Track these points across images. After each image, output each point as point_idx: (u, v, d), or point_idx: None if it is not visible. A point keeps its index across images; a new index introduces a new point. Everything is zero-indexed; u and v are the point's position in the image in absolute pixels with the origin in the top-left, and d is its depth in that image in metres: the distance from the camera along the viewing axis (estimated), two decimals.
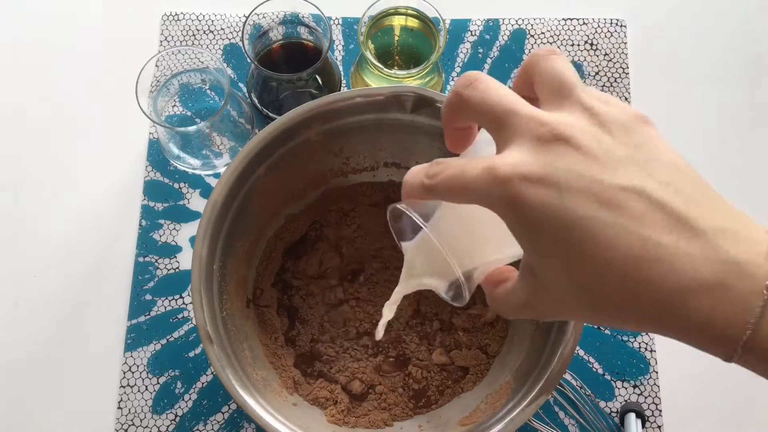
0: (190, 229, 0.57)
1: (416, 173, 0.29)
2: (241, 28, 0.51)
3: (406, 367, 0.52)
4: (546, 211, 0.24)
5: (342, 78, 0.58)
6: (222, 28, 0.63)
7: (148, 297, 0.55)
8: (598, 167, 0.24)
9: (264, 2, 0.51)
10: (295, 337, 0.52)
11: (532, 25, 0.57)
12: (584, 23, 0.64)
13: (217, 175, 0.58)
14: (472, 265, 0.30)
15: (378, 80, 0.54)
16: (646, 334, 0.55)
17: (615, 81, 0.62)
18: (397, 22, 0.54)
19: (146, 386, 0.53)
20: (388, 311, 0.37)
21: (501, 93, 0.26)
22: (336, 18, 0.64)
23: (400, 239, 0.34)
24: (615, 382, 0.54)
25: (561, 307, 0.27)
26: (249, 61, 0.53)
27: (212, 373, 0.54)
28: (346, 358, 0.52)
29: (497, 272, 0.31)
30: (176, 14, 0.63)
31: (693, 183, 0.24)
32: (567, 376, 0.54)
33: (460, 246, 0.30)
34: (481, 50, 0.63)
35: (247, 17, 0.50)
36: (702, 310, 0.23)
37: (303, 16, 0.54)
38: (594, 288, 0.24)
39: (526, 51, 0.63)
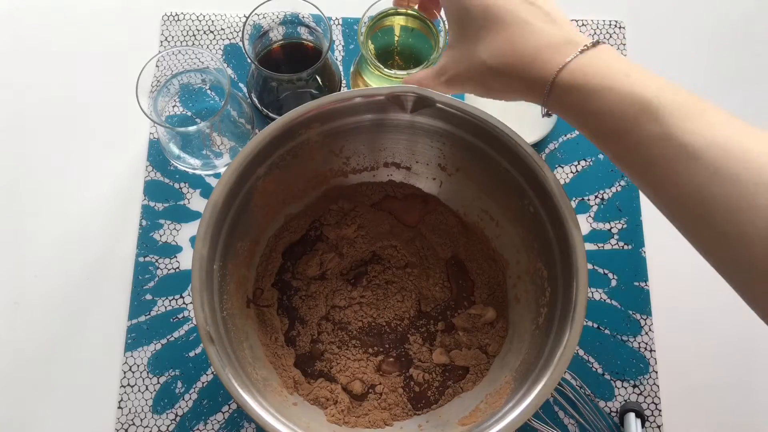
0: (190, 229, 0.57)
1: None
2: (241, 29, 0.51)
3: (407, 369, 0.52)
4: (483, 6, 0.39)
5: (342, 78, 0.58)
6: (222, 28, 0.63)
7: (149, 297, 0.55)
8: None
9: (264, 2, 0.51)
10: (295, 337, 0.52)
11: None
12: (584, 24, 0.64)
13: (217, 175, 0.58)
14: None
15: (378, 80, 0.54)
16: (646, 333, 0.55)
17: None
18: (397, 22, 0.54)
19: (146, 386, 0.53)
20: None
21: None
22: (336, 18, 0.64)
23: None
24: (615, 381, 0.54)
25: (466, 66, 0.41)
26: (249, 61, 0.53)
27: (212, 373, 0.54)
28: (347, 358, 0.52)
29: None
30: (176, 14, 0.63)
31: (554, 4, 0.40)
32: (567, 376, 0.54)
33: None
34: None
35: (247, 17, 0.51)
36: (543, 60, 0.38)
37: (303, 17, 0.54)
38: (494, 50, 0.39)
39: None
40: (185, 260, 0.56)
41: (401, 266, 0.55)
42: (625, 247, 0.58)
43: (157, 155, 0.59)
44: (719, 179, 0.32)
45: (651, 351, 0.55)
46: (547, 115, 0.40)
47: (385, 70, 0.50)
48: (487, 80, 0.40)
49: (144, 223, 0.57)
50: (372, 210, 0.55)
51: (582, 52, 0.37)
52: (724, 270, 0.34)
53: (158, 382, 0.53)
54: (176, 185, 0.58)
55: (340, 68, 0.61)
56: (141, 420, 0.52)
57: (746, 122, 0.34)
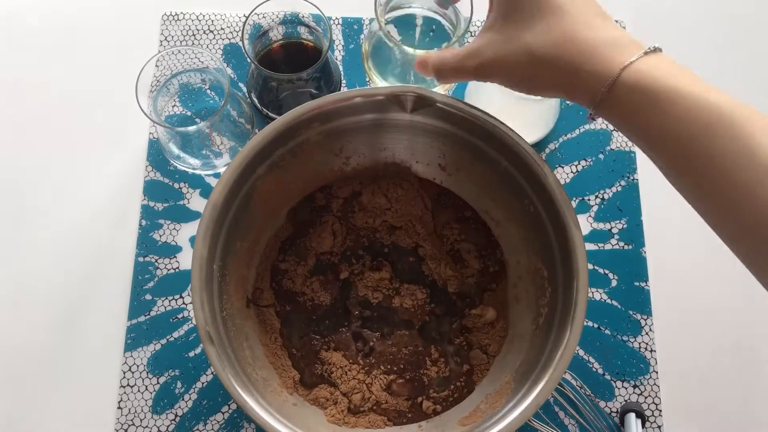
0: (190, 229, 0.57)
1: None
2: (241, 28, 0.51)
3: (418, 398, 0.50)
4: None
5: (342, 78, 0.58)
6: (222, 28, 0.63)
7: (148, 297, 0.55)
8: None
9: (264, 2, 0.51)
10: (291, 337, 0.52)
11: None
12: None
13: (217, 175, 0.58)
14: None
15: (393, 71, 0.52)
16: (646, 333, 0.55)
17: None
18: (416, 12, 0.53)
19: (146, 386, 0.53)
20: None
21: None
22: (336, 18, 0.64)
23: None
24: (615, 382, 0.54)
25: (507, 52, 0.38)
26: (249, 60, 0.53)
27: (212, 373, 0.54)
28: (352, 371, 0.51)
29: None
30: (176, 14, 0.63)
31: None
32: (567, 376, 0.54)
33: None
34: None
35: (247, 17, 0.50)
36: (603, 56, 0.35)
37: (303, 16, 0.54)
38: (546, 39, 0.36)
39: None
40: (185, 260, 0.56)
41: (403, 267, 0.55)
42: (626, 247, 0.58)
43: (156, 155, 0.59)
44: None
45: (651, 351, 0.55)
46: (592, 118, 0.38)
47: (406, 48, 0.47)
48: (529, 70, 0.38)
49: (144, 223, 0.57)
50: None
51: (646, 54, 0.35)
52: None
53: (158, 383, 0.53)
54: (176, 185, 0.58)
55: (340, 68, 0.61)
56: (141, 420, 0.52)
57: None
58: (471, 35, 0.63)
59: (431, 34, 0.54)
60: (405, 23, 0.54)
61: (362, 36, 0.63)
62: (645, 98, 0.34)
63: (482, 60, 0.39)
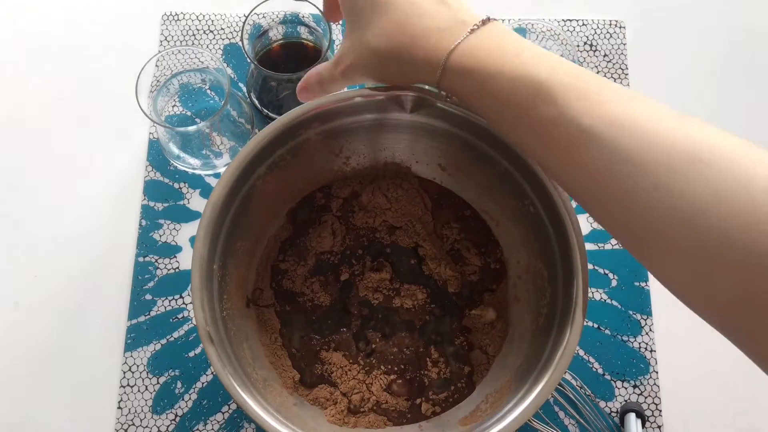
0: (190, 229, 0.57)
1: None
2: (241, 28, 0.51)
3: (417, 399, 0.50)
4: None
5: None
6: (222, 28, 0.63)
7: (148, 297, 0.55)
8: None
9: (264, 1, 0.51)
10: (291, 337, 0.52)
11: (532, 24, 0.57)
12: (584, 24, 0.64)
13: (217, 175, 0.58)
14: None
15: None
16: (646, 333, 0.55)
17: (614, 81, 0.62)
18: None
19: (146, 386, 0.53)
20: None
21: None
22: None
23: None
24: (615, 382, 0.54)
25: (357, 54, 0.39)
26: (249, 60, 0.53)
27: (212, 373, 0.54)
28: (352, 371, 0.51)
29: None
30: (176, 14, 0.63)
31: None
32: (567, 376, 0.54)
33: None
34: None
35: (246, 17, 0.50)
36: (432, 43, 0.36)
37: (303, 16, 0.54)
38: (380, 33, 0.37)
39: None
40: (185, 260, 0.56)
41: (404, 267, 0.55)
42: None
43: (156, 155, 0.59)
44: (618, 159, 0.30)
45: (651, 351, 0.55)
46: (448, 98, 0.40)
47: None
48: (377, 66, 0.39)
49: (144, 223, 0.57)
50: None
51: (472, 32, 0.35)
52: (636, 251, 0.34)
53: (158, 383, 0.53)
54: (176, 185, 0.58)
55: None
56: (141, 420, 0.52)
57: (650, 97, 0.32)
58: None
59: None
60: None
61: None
62: (471, 82, 0.35)
63: (344, 66, 0.41)
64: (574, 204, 0.59)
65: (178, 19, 0.63)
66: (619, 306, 0.56)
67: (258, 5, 0.51)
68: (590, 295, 0.57)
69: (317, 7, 0.52)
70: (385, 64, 0.39)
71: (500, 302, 0.52)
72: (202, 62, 0.53)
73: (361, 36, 0.39)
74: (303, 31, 0.55)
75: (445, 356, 0.51)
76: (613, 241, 0.58)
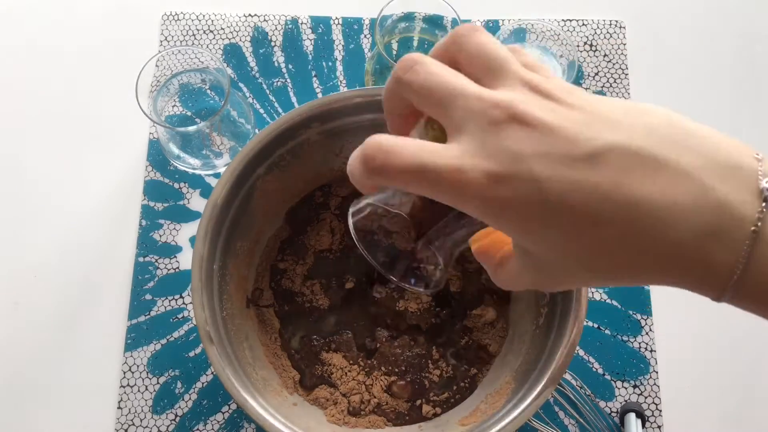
0: (190, 229, 0.57)
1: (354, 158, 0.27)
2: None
3: (418, 401, 0.50)
4: (524, 205, 0.23)
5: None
6: (222, 28, 0.63)
7: (148, 297, 0.55)
8: (562, 140, 0.23)
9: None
10: (291, 337, 0.52)
11: (532, 25, 0.57)
12: (584, 24, 0.64)
13: (217, 175, 0.58)
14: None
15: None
16: (646, 333, 0.55)
17: (614, 82, 0.62)
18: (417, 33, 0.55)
19: (146, 386, 0.53)
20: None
21: (444, 74, 0.25)
22: (336, 18, 0.64)
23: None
24: (615, 382, 0.54)
25: (563, 278, 0.26)
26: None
27: (212, 373, 0.53)
28: (352, 372, 0.51)
29: (491, 248, 0.30)
30: (176, 14, 0.63)
31: (657, 119, 0.24)
32: (567, 376, 0.54)
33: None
34: None
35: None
36: (693, 257, 0.23)
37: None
38: (592, 256, 0.24)
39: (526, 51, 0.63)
40: (185, 260, 0.56)
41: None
42: None
43: (156, 155, 0.59)
44: None
45: (651, 351, 0.55)
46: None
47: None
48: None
49: (144, 223, 0.57)
50: None
51: (756, 232, 0.22)
52: None
53: (158, 383, 0.53)
54: (176, 185, 0.58)
55: (339, 68, 0.61)
56: (141, 420, 0.52)
57: None
58: None
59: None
60: (404, 42, 0.56)
61: (367, 55, 0.63)
62: None
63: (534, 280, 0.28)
64: None
65: (178, 19, 0.63)
66: (619, 306, 0.56)
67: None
68: (590, 295, 0.57)
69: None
70: (604, 283, 0.27)
71: (500, 302, 0.52)
72: (202, 62, 0.53)
73: (548, 262, 0.25)
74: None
75: (446, 357, 0.51)
76: None
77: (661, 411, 0.54)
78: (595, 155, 0.23)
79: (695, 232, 0.23)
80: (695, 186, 0.23)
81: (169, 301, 0.55)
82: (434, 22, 0.54)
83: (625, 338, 0.55)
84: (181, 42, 0.62)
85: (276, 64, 0.62)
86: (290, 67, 0.62)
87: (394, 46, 0.56)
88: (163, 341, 0.54)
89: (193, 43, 0.62)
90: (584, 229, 0.23)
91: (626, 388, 0.54)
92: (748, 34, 0.65)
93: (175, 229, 0.57)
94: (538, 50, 0.55)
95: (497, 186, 0.23)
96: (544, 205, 0.23)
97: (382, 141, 0.26)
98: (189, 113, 0.56)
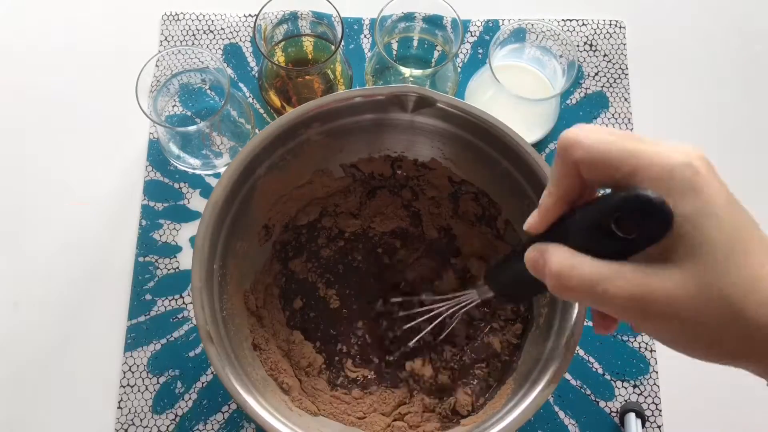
0: (190, 229, 0.57)
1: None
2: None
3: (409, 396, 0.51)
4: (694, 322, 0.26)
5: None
6: (222, 28, 0.63)
7: (148, 297, 0.55)
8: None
9: (269, 2, 0.51)
10: (293, 337, 0.52)
11: (532, 24, 0.57)
12: (584, 24, 0.64)
13: (217, 175, 0.58)
14: None
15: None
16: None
17: (614, 82, 0.62)
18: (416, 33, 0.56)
19: (146, 386, 0.53)
20: None
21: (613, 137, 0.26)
22: (335, 17, 0.64)
23: None
24: (615, 382, 0.54)
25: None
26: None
27: (212, 373, 0.53)
28: (352, 374, 0.51)
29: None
30: (176, 14, 0.63)
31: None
32: (567, 376, 0.54)
33: None
34: (480, 51, 0.63)
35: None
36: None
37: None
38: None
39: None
40: (185, 260, 0.56)
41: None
42: None
43: (156, 155, 0.59)
44: None
45: (651, 351, 0.55)
46: None
47: (401, 68, 0.50)
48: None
49: (144, 223, 0.57)
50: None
51: None
52: None
53: (158, 382, 0.53)
54: (176, 185, 0.58)
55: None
56: (141, 420, 0.52)
57: None
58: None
59: (425, 46, 0.56)
60: (404, 42, 0.56)
61: (367, 55, 0.63)
62: None
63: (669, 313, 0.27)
64: None
65: (178, 19, 0.63)
66: None
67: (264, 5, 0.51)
68: None
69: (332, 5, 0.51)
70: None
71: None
72: (202, 62, 0.53)
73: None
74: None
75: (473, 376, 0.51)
76: None
77: (661, 411, 0.54)
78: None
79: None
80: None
81: (169, 301, 0.55)
82: (434, 22, 0.54)
83: (625, 338, 0.55)
84: (181, 42, 0.62)
85: None
86: None
87: (394, 46, 0.56)
88: (163, 341, 0.54)
89: (193, 43, 0.62)
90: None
91: (626, 388, 0.54)
92: (748, 33, 0.65)
93: (175, 229, 0.57)
94: (538, 50, 0.55)
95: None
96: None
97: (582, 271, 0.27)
98: (189, 113, 0.56)
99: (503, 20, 0.64)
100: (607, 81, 0.62)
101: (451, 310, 0.42)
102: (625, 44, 0.64)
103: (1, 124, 0.60)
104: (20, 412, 0.53)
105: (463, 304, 0.41)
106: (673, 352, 0.28)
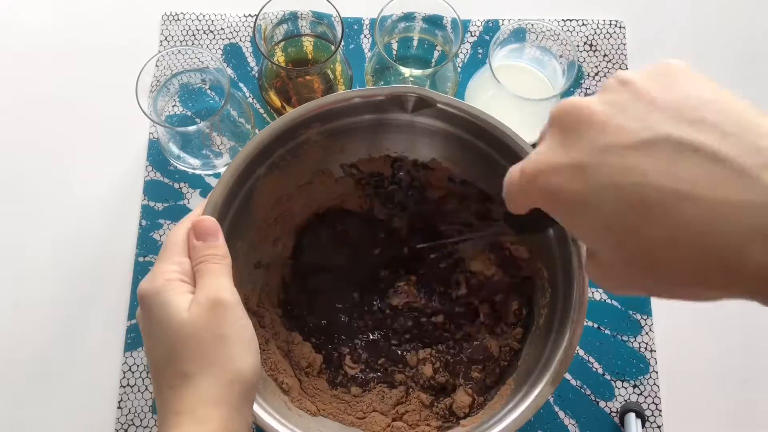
0: None
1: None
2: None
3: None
4: (580, 196, 0.24)
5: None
6: (222, 28, 0.63)
7: None
8: (613, 131, 0.23)
9: (268, 2, 0.51)
10: (293, 338, 0.52)
11: (532, 24, 0.57)
12: (583, 24, 0.64)
13: (217, 175, 0.58)
14: None
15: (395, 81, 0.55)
16: (646, 333, 0.55)
17: None
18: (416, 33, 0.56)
19: (146, 386, 0.53)
20: None
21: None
22: (335, 17, 0.64)
23: None
24: (615, 382, 0.54)
25: (627, 282, 0.26)
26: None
27: None
28: (352, 373, 0.51)
29: None
30: (176, 14, 0.63)
31: (725, 112, 0.24)
32: (567, 376, 0.54)
33: None
34: (480, 51, 0.63)
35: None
36: (757, 258, 0.22)
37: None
38: (644, 255, 0.23)
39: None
40: None
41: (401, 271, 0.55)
42: None
43: (156, 155, 0.59)
44: None
45: (651, 351, 0.55)
46: None
47: (403, 69, 0.50)
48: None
49: (144, 223, 0.57)
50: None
51: None
52: None
53: None
54: (176, 185, 0.58)
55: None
56: (141, 420, 0.52)
57: None
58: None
59: (425, 46, 0.56)
60: (404, 42, 0.56)
61: (367, 54, 0.63)
62: None
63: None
64: None
65: (178, 19, 0.63)
66: (619, 306, 0.56)
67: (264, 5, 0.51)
68: (590, 295, 0.57)
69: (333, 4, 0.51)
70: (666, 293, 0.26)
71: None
72: (202, 62, 0.53)
73: (608, 264, 0.26)
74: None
75: (475, 376, 0.51)
76: None
77: (661, 411, 0.54)
78: (645, 145, 0.22)
79: (760, 232, 0.21)
80: (758, 185, 0.22)
81: None
82: (434, 22, 0.54)
83: (624, 338, 0.55)
84: (181, 42, 0.62)
85: None
86: None
87: (394, 46, 0.56)
88: None
89: (193, 43, 0.62)
90: (638, 232, 0.23)
91: (626, 388, 0.54)
92: (748, 33, 0.65)
93: None
94: (538, 50, 0.55)
95: (549, 176, 0.25)
96: (593, 200, 0.23)
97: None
98: (189, 113, 0.56)
99: (503, 20, 0.64)
100: None
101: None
102: (625, 44, 0.64)
103: (0, 125, 0.60)
104: (20, 412, 0.53)
105: (483, 234, 0.41)
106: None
